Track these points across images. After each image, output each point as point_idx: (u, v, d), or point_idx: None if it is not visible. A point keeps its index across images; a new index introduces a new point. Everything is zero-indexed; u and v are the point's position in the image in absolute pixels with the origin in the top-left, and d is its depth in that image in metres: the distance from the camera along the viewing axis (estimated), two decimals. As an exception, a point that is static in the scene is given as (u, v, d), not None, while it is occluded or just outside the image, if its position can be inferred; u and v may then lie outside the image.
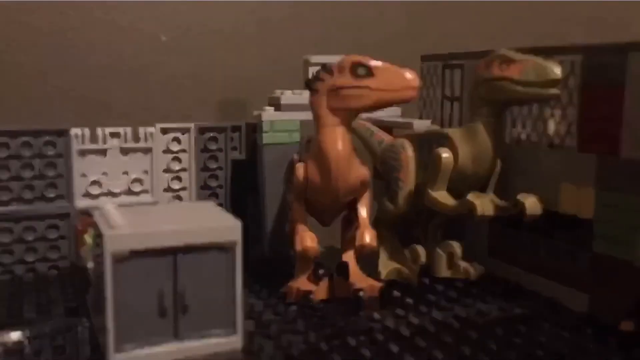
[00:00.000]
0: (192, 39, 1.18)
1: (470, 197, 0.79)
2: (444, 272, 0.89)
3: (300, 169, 0.79)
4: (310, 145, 0.80)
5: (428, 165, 0.84)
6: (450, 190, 0.83)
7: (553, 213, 0.81)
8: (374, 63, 0.74)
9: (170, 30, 1.16)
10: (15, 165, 0.90)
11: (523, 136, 0.87)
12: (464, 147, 0.82)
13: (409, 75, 0.74)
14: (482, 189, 0.83)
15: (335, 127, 0.76)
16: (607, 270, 0.75)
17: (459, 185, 0.82)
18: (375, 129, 0.94)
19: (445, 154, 0.82)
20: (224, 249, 0.65)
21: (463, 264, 0.89)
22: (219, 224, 0.66)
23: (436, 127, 0.95)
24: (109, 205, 0.68)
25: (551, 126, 0.83)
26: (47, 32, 1.09)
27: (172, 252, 0.64)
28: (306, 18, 1.24)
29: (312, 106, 0.78)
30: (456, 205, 0.81)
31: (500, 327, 0.72)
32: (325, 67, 0.77)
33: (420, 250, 0.89)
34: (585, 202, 0.77)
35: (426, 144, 0.86)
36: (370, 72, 0.73)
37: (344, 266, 0.82)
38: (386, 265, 0.88)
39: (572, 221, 0.79)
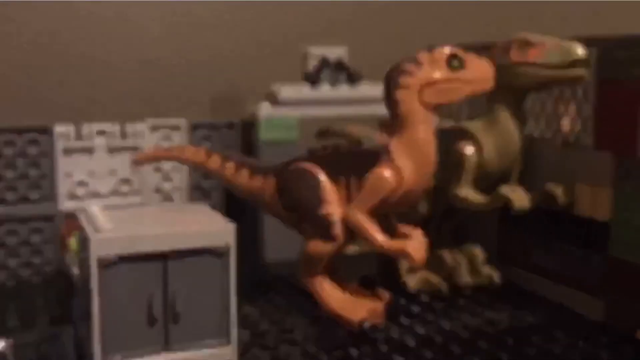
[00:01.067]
0: (183, 30, 1.15)
1: (504, 190, 0.78)
2: (465, 278, 0.86)
3: (387, 172, 0.70)
4: (394, 145, 0.71)
5: (446, 163, 0.81)
6: (474, 187, 0.81)
7: (567, 215, 0.79)
8: (464, 54, 0.71)
9: (160, 21, 1.14)
10: (-4, 165, 0.89)
11: (536, 134, 0.86)
12: (487, 140, 0.80)
13: (489, 65, 0.72)
14: (505, 183, 0.81)
15: (430, 124, 0.71)
16: (623, 276, 0.74)
17: (484, 180, 0.80)
18: (371, 133, 0.91)
19: (469, 149, 0.80)
20: (217, 253, 0.64)
21: (486, 269, 0.86)
22: (212, 227, 0.65)
23: (449, 122, 0.91)
24: (95, 207, 0.68)
25: (565, 123, 0.82)
26: (33, 26, 1.07)
27: (162, 257, 0.62)
28: (305, 9, 1.23)
29: (399, 103, 0.70)
30: (489, 201, 0.79)
31: (512, 337, 0.71)
32: (409, 59, 0.71)
33: (447, 255, 0.86)
34: (601, 203, 0.76)
35: (442, 141, 0.83)
36: (462, 64, 0.71)
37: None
38: (412, 275, 0.85)
39: (587, 223, 0.78)
